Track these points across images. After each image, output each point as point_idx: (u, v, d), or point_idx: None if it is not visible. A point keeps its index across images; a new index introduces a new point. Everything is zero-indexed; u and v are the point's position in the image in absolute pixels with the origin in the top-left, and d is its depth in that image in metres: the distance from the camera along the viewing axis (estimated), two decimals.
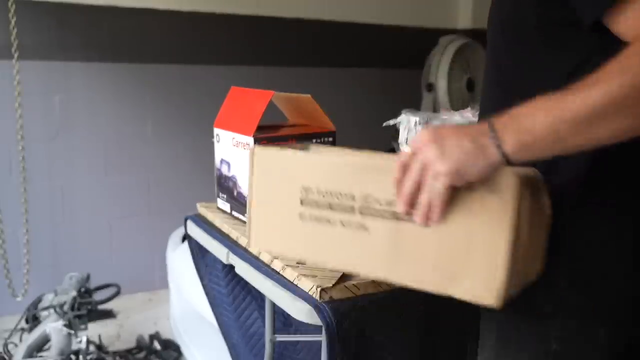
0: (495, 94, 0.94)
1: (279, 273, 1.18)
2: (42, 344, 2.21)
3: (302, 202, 0.90)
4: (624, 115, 0.68)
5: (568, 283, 0.84)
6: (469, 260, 0.76)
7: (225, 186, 1.53)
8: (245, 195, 1.43)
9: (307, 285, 1.09)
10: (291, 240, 0.94)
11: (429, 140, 0.74)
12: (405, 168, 0.76)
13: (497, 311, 0.79)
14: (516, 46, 0.87)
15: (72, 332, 2.20)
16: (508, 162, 0.72)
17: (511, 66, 0.89)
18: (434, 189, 0.74)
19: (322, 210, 0.88)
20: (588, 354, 0.85)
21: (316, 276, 1.10)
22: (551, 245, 0.84)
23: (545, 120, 0.70)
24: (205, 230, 1.53)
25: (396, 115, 1.54)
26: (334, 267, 0.97)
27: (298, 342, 1.82)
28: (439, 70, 3.71)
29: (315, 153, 1.00)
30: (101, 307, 2.69)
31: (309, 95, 1.47)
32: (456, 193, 0.75)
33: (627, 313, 0.84)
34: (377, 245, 0.84)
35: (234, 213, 1.50)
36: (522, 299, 0.82)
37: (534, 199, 0.77)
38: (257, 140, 1.37)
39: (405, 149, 1.40)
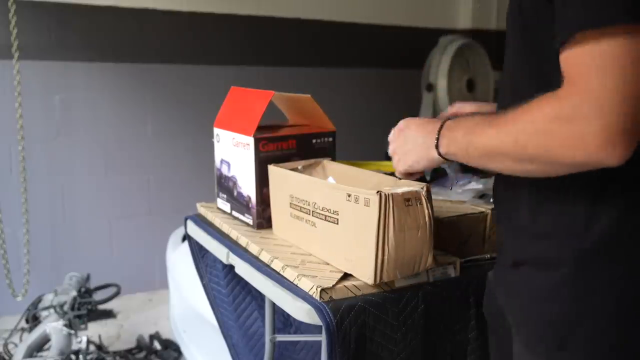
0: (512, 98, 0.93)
1: (279, 273, 1.19)
2: (42, 344, 2.21)
3: (290, 205, 1.27)
4: (507, 159, 0.80)
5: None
6: (359, 252, 1.07)
7: (225, 186, 1.53)
8: (245, 195, 1.43)
9: (307, 285, 1.09)
10: (287, 231, 1.33)
11: (399, 130, 1.02)
12: (391, 142, 1.05)
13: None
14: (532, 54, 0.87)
15: (72, 332, 2.20)
16: (445, 159, 0.92)
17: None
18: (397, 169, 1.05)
19: (297, 211, 1.25)
20: None
21: (316, 276, 1.11)
22: None
23: (462, 140, 0.87)
24: (205, 230, 1.53)
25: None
26: (305, 250, 1.26)
27: (298, 342, 1.82)
28: (439, 70, 3.71)
29: (309, 170, 1.38)
30: (101, 307, 2.69)
31: (309, 95, 1.47)
32: (349, 207, 1.06)
33: None
34: (319, 237, 1.19)
35: (234, 213, 1.50)
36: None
37: (407, 208, 1.03)
38: (257, 141, 1.37)
39: None
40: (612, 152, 0.69)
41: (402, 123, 1.02)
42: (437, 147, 0.91)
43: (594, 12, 0.69)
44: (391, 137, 1.06)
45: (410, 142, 0.97)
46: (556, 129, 0.72)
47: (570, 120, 0.71)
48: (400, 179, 1.11)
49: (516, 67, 0.90)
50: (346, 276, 1.12)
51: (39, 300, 2.40)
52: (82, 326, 2.29)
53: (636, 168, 0.76)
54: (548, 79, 0.79)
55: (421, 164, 0.97)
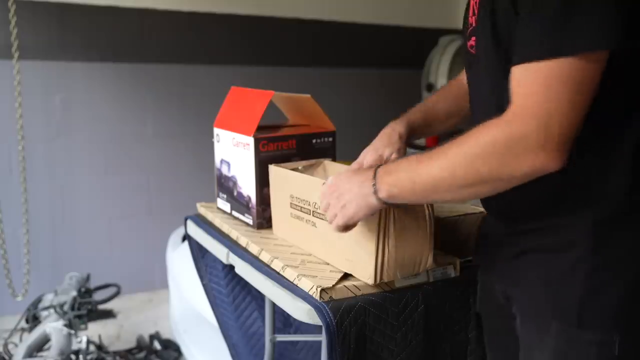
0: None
1: (279, 273, 1.19)
2: (42, 344, 2.21)
3: (290, 205, 1.27)
4: (457, 189, 0.86)
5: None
6: (359, 252, 1.07)
7: (225, 186, 1.53)
8: (245, 195, 1.43)
9: (307, 285, 1.09)
10: (287, 231, 1.32)
11: (329, 186, 1.02)
12: (323, 198, 1.04)
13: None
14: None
15: (72, 332, 2.20)
16: (386, 204, 0.94)
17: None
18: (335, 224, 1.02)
19: (297, 211, 1.25)
20: None
21: (316, 276, 1.11)
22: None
23: (405, 179, 0.90)
24: (205, 230, 1.53)
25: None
26: (305, 250, 1.26)
27: (298, 342, 1.82)
28: (439, 70, 3.71)
29: (308, 170, 1.39)
30: (101, 307, 2.69)
31: (309, 95, 1.47)
32: None
33: None
34: (319, 237, 1.19)
35: (234, 213, 1.50)
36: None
37: (407, 208, 1.03)
38: (257, 141, 1.37)
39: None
40: (554, 161, 0.80)
41: (330, 179, 1.02)
42: (375, 192, 0.93)
43: (544, 43, 0.79)
44: (322, 194, 1.04)
45: (346, 195, 0.97)
46: (505, 149, 0.80)
47: (518, 139, 0.80)
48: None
49: (495, 84, 0.93)
50: (346, 276, 1.12)
51: (39, 300, 2.40)
52: (82, 326, 2.29)
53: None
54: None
55: (361, 213, 0.97)
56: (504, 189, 0.86)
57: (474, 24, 0.98)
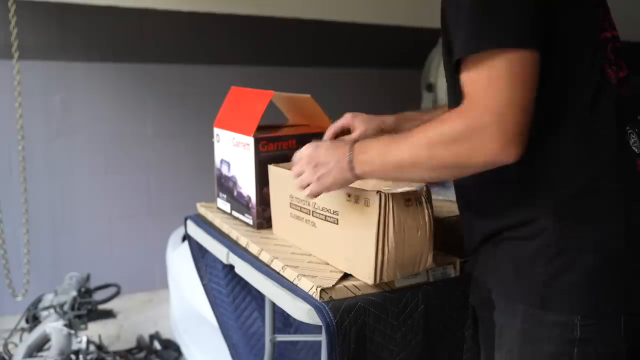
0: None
1: (279, 273, 1.19)
2: (42, 344, 2.21)
3: (290, 205, 1.28)
4: (420, 170, 0.93)
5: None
6: (359, 252, 1.07)
7: (225, 186, 1.53)
8: (245, 195, 1.43)
9: (307, 285, 1.09)
10: (287, 231, 1.33)
11: (307, 155, 1.07)
12: (297, 164, 1.10)
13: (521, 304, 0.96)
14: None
15: (72, 332, 2.20)
16: (359, 178, 1.00)
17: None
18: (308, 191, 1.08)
19: (297, 211, 1.26)
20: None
21: (316, 276, 1.11)
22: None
23: (377, 158, 0.97)
24: (205, 230, 1.53)
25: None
26: (305, 250, 1.26)
27: (298, 342, 1.82)
28: (439, 70, 3.70)
29: None
30: (101, 307, 2.69)
31: (309, 95, 1.47)
32: (349, 207, 1.08)
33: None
34: (319, 237, 1.19)
35: (234, 213, 1.50)
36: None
37: (407, 208, 1.04)
38: (257, 141, 1.37)
39: None
40: (509, 153, 0.84)
41: (307, 148, 1.08)
42: (351, 169, 0.99)
43: (481, 37, 0.84)
44: (297, 161, 1.10)
45: (323, 168, 1.03)
46: (462, 139, 0.86)
47: (473, 130, 0.85)
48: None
49: (452, 90, 1.02)
50: (346, 276, 1.12)
51: (39, 300, 2.40)
52: (82, 326, 2.29)
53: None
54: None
55: (336, 185, 1.04)
56: (463, 175, 0.95)
57: None
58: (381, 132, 1.31)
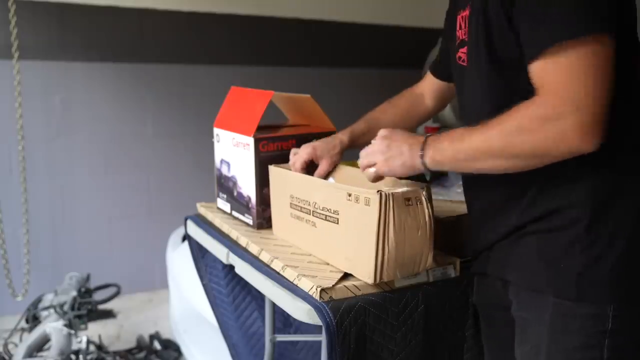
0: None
1: (279, 273, 1.19)
2: (42, 344, 2.21)
3: (290, 205, 1.27)
4: (494, 159, 0.93)
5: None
6: (359, 252, 1.08)
7: (225, 186, 1.53)
8: (245, 196, 1.43)
9: (307, 285, 1.09)
10: (287, 231, 1.33)
11: (383, 137, 1.08)
12: (368, 147, 1.12)
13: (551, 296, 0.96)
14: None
15: (72, 332, 2.20)
16: (427, 169, 1.02)
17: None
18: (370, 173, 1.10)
19: (297, 211, 1.26)
20: None
21: (316, 276, 1.11)
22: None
23: (450, 149, 0.98)
24: (205, 230, 1.53)
25: None
26: (305, 250, 1.26)
27: (298, 342, 1.82)
28: None
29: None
30: (101, 307, 2.69)
31: (309, 95, 1.47)
32: (349, 207, 1.08)
33: None
34: (319, 237, 1.19)
35: (234, 213, 1.50)
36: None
37: (407, 208, 1.05)
38: (257, 141, 1.37)
39: None
40: (589, 142, 0.85)
41: (386, 131, 1.10)
42: (422, 157, 1.01)
43: (561, 28, 0.85)
44: (376, 142, 1.11)
45: (395, 149, 1.05)
46: (540, 128, 0.86)
47: (552, 120, 0.85)
48: (372, 179, 1.12)
49: (488, 91, 1.01)
50: (346, 276, 1.12)
51: (39, 300, 2.40)
52: (82, 326, 2.29)
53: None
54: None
55: (403, 169, 1.05)
56: (536, 165, 0.92)
57: (462, 37, 1.07)
58: (348, 145, 1.33)
